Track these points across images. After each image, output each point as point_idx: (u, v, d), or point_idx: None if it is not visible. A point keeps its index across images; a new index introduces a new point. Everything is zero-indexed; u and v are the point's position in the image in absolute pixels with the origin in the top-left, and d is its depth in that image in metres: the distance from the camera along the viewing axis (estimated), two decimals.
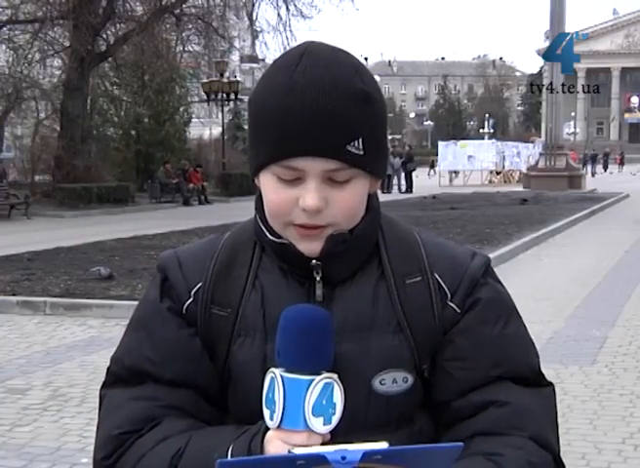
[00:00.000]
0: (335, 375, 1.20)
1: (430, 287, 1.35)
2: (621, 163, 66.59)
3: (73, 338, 8.21)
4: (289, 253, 1.30)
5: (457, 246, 1.44)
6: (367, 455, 1.06)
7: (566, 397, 6.01)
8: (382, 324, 1.32)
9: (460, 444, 1.10)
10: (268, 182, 1.28)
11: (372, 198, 1.34)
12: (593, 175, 56.87)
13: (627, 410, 5.83)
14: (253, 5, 30.75)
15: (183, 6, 29.43)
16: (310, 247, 1.29)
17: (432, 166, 44.75)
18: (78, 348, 7.81)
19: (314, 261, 1.30)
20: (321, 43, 1.29)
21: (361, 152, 1.24)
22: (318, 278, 1.31)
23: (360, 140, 1.24)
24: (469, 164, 42.58)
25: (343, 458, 1.06)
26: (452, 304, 1.35)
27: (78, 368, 7.09)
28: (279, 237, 1.31)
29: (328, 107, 1.21)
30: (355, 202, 1.28)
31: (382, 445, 1.10)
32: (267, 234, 1.33)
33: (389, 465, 1.07)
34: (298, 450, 1.13)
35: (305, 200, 1.24)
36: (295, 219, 1.27)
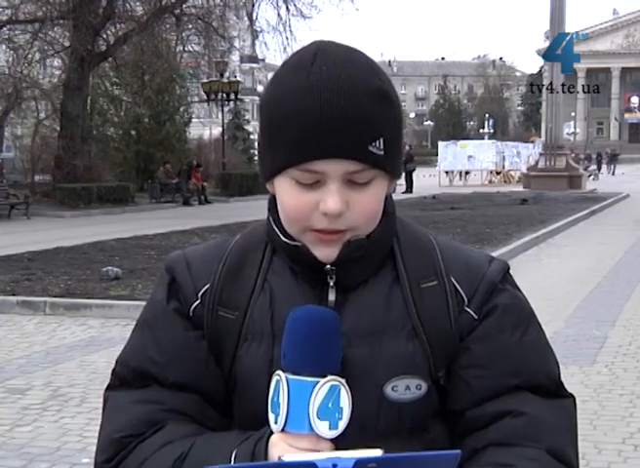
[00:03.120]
0: (342, 379, 1.18)
1: (447, 291, 1.31)
2: (610, 164, 65.76)
3: (73, 338, 8.21)
4: (302, 256, 1.27)
5: (473, 250, 1.40)
6: (360, 463, 1.03)
7: None
8: (396, 329, 1.28)
9: (458, 451, 1.07)
10: (286, 186, 1.24)
11: (387, 201, 1.30)
12: (613, 173, 56.33)
13: (627, 410, 5.83)
14: (253, 5, 30.75)
15: (183, 6, 29.42)
16: (327, 252, 1.25)
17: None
18: (78, 348, 7.81)
19: (328, 266, 1.26)
20: (332, 42, 1.26)
21: (382, 152, 1.21)
22: (332, 283, 1.28)
23: (381, 140, 1.21)
24: (469, 164, 42.60)
25: (334, 466, 1.03)
26: (469, 310, 1.31)
27: (78, 368, 7.09)
28: (293, 239, 1.28)
29: (347, 107, 1.18)
30: (376, 204, 1.25)
31: (377, 452, 1.07)
32: (281, 236, 1.29)
33: None
34: (288, 457, 1.10)
35: (327, 203, 1.20)
36: (314, 224, 1.23)
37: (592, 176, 53.80)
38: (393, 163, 1.25)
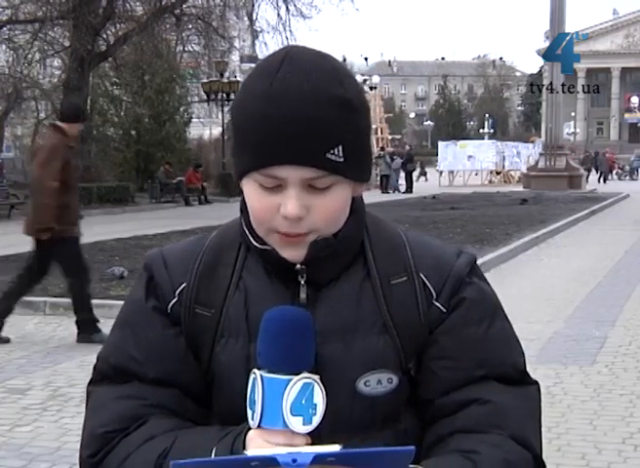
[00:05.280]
0: (316, 376, 1.21)
1: (416, 287, 1.35)
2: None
3: (73, 338, 8.21)
4: (272, 258, 1.31)
5: (443, 244, 1.44)
6: (319, 458, 1.08)
7: (566, 397, 6.01)
8: (367, 325, 1.32)
9: (412, 447, 1.11)
10: (251, 189, 1.28)
11: (356, 199, 1.33)
12: None
13: (627, 410, 5.83)
14: (253, 5, 30.76)
15: (183, 6, 29.41)
16: (294, 253, 1.29)
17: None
18: (78, 348, 7.81)
19: (299, 266, 1.30)
20: (304, 47, 1.29)
21: (341, 159, 1.23)
22: (302, 282, 1.31)
23: (340, 148, 1.23)
24: (469, 164, 42.61)
25: (294, 461, 1.07)
26: (437, 304, 1.35)
27: (78, 368, 7.09)
28: (263, 242, 1.31)
29: (306, 115, 1.20)
30: (336, 208, 1.28)
31: (335, 447, 1.11)
32: (251, 239, 1.33)
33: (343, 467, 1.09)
34: (250, 452, 1.15)
35: (286, 208, 1.24)
36: (277, 227, 1.26)
37: (628, 177, 53.63)
38: (355, 169, 1.27)
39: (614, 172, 54.84)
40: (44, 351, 7.73)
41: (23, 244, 15.08)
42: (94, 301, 9.49)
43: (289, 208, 1.23)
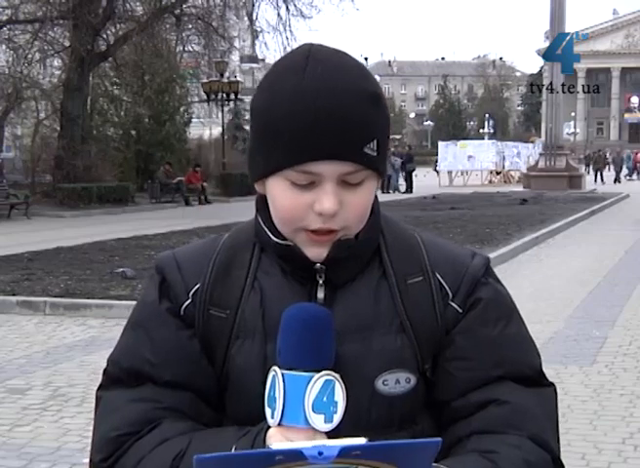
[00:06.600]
0: (336, 374, 1.20)
1: (432, 287, 1.35)
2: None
3: (73, 338, 8.21)
4: (293, 255, 1.30)
5: (456, 246, 1.44)
6: (345, 451, 1.06)
7: (566, 397, 6.00)
8: (385, 324, 1.32)
9: (439, 439, 1.09)
10: (280, 187, 1.26)
11: (373, 200, 1.34)
12: None
13: (627, 410, 5.83)
14: (253, 5, 30.74)
15: (183, 6, 29.41)
16: (318, 251, 1.29)
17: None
18: (78, 348, 7.81)
19: (318, 265, 1.30)
20: (321, 45, 1.29)
21: (375, 153, 1.25)
22: (321, 281, 1.31)
23: (375, 142, 1.25)
24: (469, 164, 42.60)
25: (320, 453, 1.06)
26: (453, 304, 1.35)
27: (78, 368, 7.09)
28: (283, 238, 1.30)
29: (344, 111, 1.22)
30: (367, 203, 1.29)
31: (361, 440, 1.10)
32: (271, 236, 1.32)
33: (369, 460, 1.07)
34: (275, 445, 1.13)
35: (323, 204, 1.23)
36: (309, 225, 1.26)
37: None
38: (384, 162, 1.29)
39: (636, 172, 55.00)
40: (44, 351, 7.73)
41: (24, 244, 15.12)
42: (93, 301, 9.51)
43: (326, 204, 1.23)
